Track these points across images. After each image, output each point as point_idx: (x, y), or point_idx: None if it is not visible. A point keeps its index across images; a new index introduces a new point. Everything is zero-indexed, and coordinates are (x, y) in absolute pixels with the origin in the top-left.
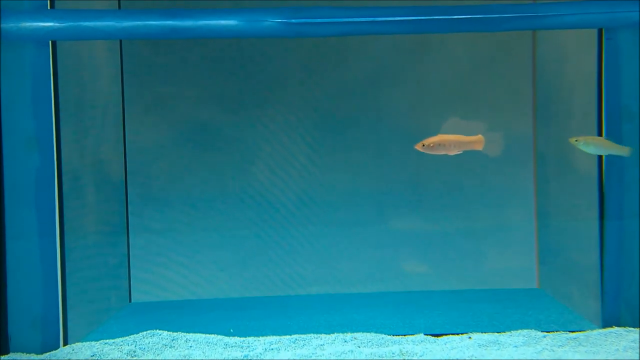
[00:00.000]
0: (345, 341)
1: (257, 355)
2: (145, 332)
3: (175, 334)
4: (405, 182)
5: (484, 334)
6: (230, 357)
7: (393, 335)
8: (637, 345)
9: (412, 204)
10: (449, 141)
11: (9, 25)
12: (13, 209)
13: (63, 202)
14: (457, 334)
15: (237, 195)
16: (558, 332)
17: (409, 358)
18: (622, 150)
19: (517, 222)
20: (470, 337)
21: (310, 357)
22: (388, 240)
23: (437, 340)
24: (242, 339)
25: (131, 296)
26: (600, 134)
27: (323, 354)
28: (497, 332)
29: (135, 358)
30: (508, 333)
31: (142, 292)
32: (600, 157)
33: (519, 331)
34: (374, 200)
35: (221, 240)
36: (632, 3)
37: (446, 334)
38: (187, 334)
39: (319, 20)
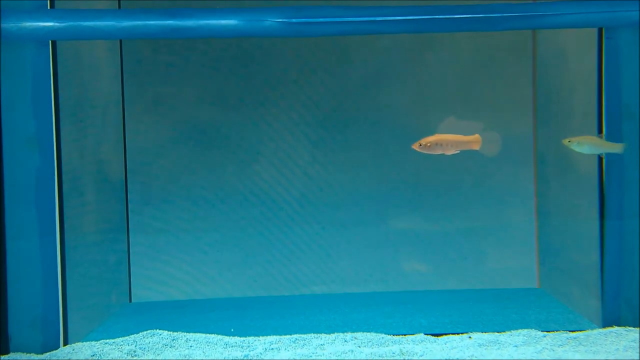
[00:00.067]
0: (345, 341)
1: (258, 355)
2: (145, 332)
3: (175, 333)
4: (405, 182)
5: (484, 333)
6: (231, 357)
7: (393, 335)
8: (637, 344)
9: (413, 203)
10: (446, 141)
11: (9, 25)
12: (13, 209)
13: (63, 201)
14: (457, 333)
15: (237, 195)
16: (558, 332)
17: (409, 358)
18: (616, 148)
19: (518, 222)
20: (470, 337)
21: (311, 356)
22: (388, 239)
23: (437, 340)
24: (242, 338)
25: (131, 296)
26: (600, 134)
27: (323, 354)
28: (498, 332)
29: (135, 358)
30: (508, 333)
31: (142, 292)
32: (600, 156)
33: (519, 331)
34: (374, 200)
35: (221, 240)
36: (632, 2)
37: (446, 334)
38: (188, 333)
39: (319, 19)
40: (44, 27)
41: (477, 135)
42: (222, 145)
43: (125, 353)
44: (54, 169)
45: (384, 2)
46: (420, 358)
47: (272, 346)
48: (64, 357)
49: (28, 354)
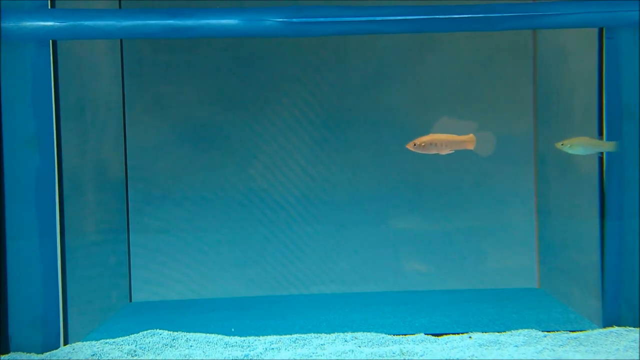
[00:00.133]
0: (345, 341)
1: (258, 355)
2: (145, 332)
3: (175, 333)
4: (406, 182)
5: (484, 333)
6: (231, 357)
7: (393, 335)
8: (638, 344)
9: (413, 203)
10: (441, 141)
11: (10, 24)
12: (13, 209)
13: (63, 201)
14: (458, 333)
15: (237, 195)
16: (558, 332)
17: (410, 358)
18: (609, 146)
19: (518, 222)
20: (470, 337)
21: (311, 356)
22: (388, 239)
23: (437, 340)
24: (242, 338)
25: (131, 295)
26: (600, 133)
27: (323, 354)
28: (498, 332)
29: (135, 357)
30: (508, 333)
31: (142, 292)
32: (600, 156)
33: (520, 331)
34: (374, 200)
35: (221, 240)
36: (632, 2)
37: (446, 334)
38: (188, 333)
39: (319, 19)
40: (45, 26)
41: (471, 135)
42: (222, 145)
43: (125, 353)
44: (54, 169)
45: (384, 2)
46: (421, 358)
47: (272, 346)
48: (64, 356)
49: (28, 354)
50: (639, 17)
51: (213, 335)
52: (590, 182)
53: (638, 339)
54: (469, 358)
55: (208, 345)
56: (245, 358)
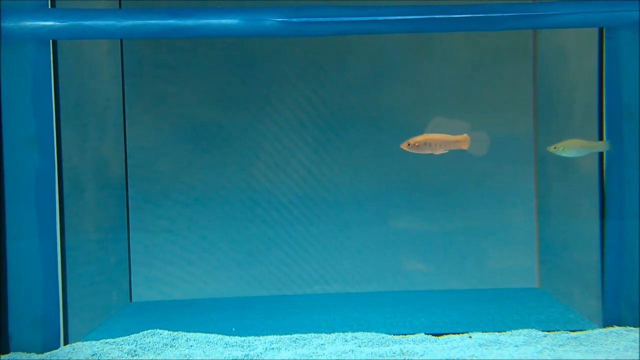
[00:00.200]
0: (345, 340)
1: (258, 355)
2: (145, 332)
3: (175, 333)
4: (406, 182)
5: (484, 333)
6: (231, 357)
7: (394, 335)
8: (638, 344)
9: (413, 203)
10: (435, 140)
11: (10, 24)
12: (13, 209)
13: (63, 201)
14: (458, 333)
15: (237, 194)
16: (559, 332)
17: (410, 357)
18: (601, 146)
19: (518, 222)
20: (470, 337)
21: (311, 356)
22: (389, 239)
23: (437, 340)
24: (242, 338)
25: (132, 295)
26: (600, 133)
27: (324, 354)
28: (498, 332)
29: (135, 357)
30: (509, 332)
31: (142, 292)
32: (600, 156)
33: (520, 330)
34: (375, 200)
35: (222, 239)
36: (632, 2)
37: (447, 334)
38: (188, 333)
39: (319, 19)
40: (45, 26)
41: (465, 135)
42: (222, 145)
43: (125, 352)
44: (54, 168)
45: (383, 2)
46: (421, 358)
47: (272, 346)
48: (64, 356)
49: (28, 354)
50: (639, 17)
51: (213, 335)
52: (590, 182)
53: (638, 339)
54: (469, 358)
55: (208, 345)
56: (245, 358)
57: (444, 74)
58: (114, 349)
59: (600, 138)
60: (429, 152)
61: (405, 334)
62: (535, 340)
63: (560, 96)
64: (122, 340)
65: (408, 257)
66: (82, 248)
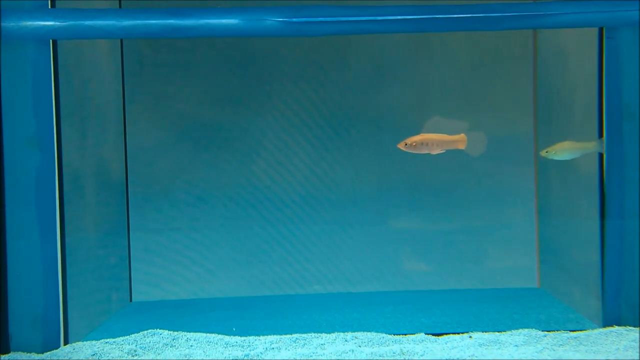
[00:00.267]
0: (345, 340)
1: (258, 355)
2: (146, 332)
3: (175, 333)
4: (406, 181)
5: (484, 333)
6: (231, 357)
7: (394, 335)
8: (638, 344)
9: (413, 203)
10: (432, 140)
11: (10, 24)
12: (14, 208)
13: (64, 201)
14: (458, 333)
15: (237, 194)
16: (559, 332)
17: (410, 357)
18: (592, 146)
19: (518, 222)
20: (470, 337)
21: (311, 356)
22: (389, 239)
23: (437, 340)
24: (242, 338)
25: (132, 295)
26: (601, 133)
27: (324, 354)
28: (498, 332)
29: (136, 357)
30: (509, 332)
31: (142, 291)
32: (600, 156)
33: (520, 330)
34: (375, 199)
35: (222, 240)
36: (632, 2)
37: (447, 333)
38: (188, 333)
39: (319, 19)
40: (45, 26)
41: (462, 135)
42: (222, 145)
43: (125, 352)
44: (54, 168)
45: (383, 2)
46: (421, 358)
47: (272, 346)
48: (64, 356)
49: (28, 354)
50: (639, 17)
51: (213, 334)
52: (590, 182)
53: (638, 339)
54: (469, 358)
55: (208, 344)
56: (245, 358)
57: (444, 73)
58: (114, 348)
59: (600, 138)
60: (426, 152)
61: (405, 334)
62: (535, 340)
63: (560, 96)
64: (123, 340)
65: (408, 257)
66: (82, 248)
